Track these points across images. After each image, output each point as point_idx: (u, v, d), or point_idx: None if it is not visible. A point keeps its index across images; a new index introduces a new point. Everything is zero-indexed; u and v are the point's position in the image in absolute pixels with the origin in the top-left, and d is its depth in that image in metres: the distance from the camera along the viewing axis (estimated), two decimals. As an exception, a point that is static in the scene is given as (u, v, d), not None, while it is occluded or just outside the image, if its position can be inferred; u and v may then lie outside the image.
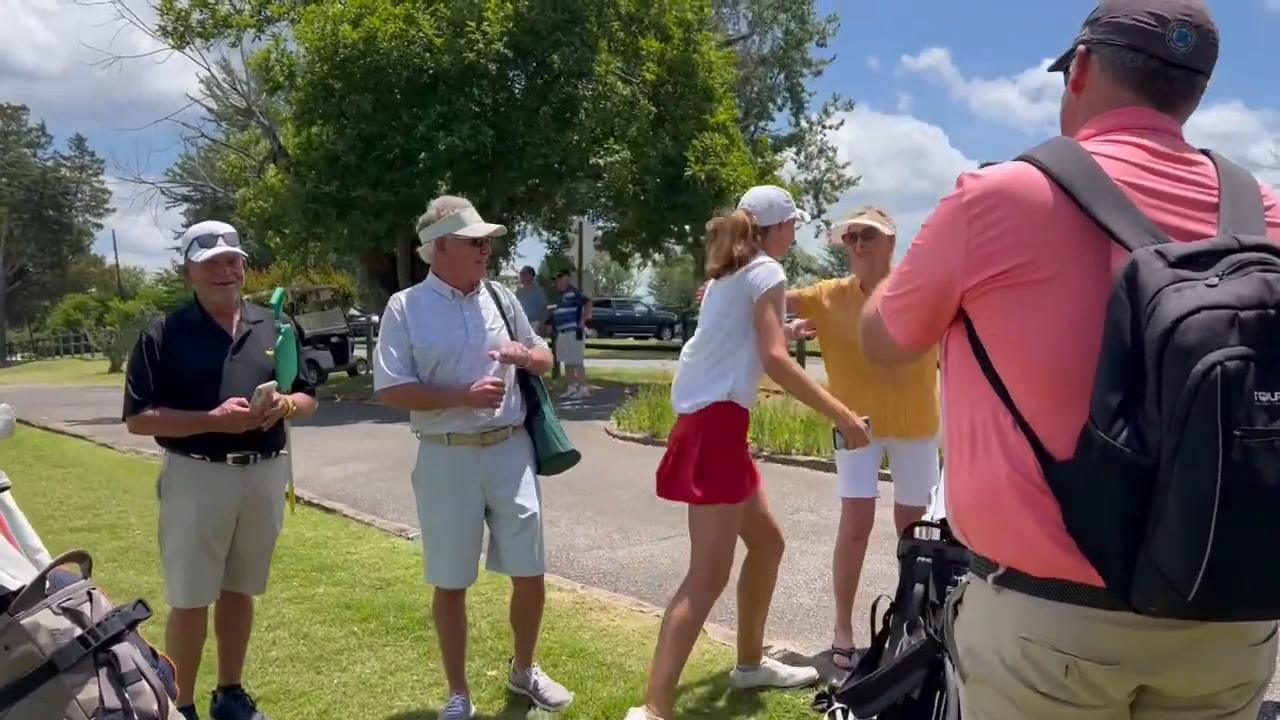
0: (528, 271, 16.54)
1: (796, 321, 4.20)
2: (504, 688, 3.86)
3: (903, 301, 1.56)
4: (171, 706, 1.73)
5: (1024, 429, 1.41)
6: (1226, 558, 1.19)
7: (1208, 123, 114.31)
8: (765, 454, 9.16)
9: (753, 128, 31.16)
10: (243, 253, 3.51)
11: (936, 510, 2.71)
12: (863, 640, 4.25)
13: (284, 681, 4.00)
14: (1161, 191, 1.40)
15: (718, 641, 4.31)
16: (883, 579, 5.20)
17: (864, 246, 3.94)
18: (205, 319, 3.47)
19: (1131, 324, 1.27)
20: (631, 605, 4.91)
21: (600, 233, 20.34)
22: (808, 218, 32.67)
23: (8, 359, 50.22)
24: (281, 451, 3.62)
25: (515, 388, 3.51)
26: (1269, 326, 1.20)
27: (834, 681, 3.67)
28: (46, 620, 1.62)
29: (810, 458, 9.02)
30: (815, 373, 3.68)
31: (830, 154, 35.18)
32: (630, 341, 29.23)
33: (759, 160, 18.37)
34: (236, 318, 3.51)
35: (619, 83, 14.88)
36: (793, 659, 4.05)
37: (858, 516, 4.12)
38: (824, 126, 34.76)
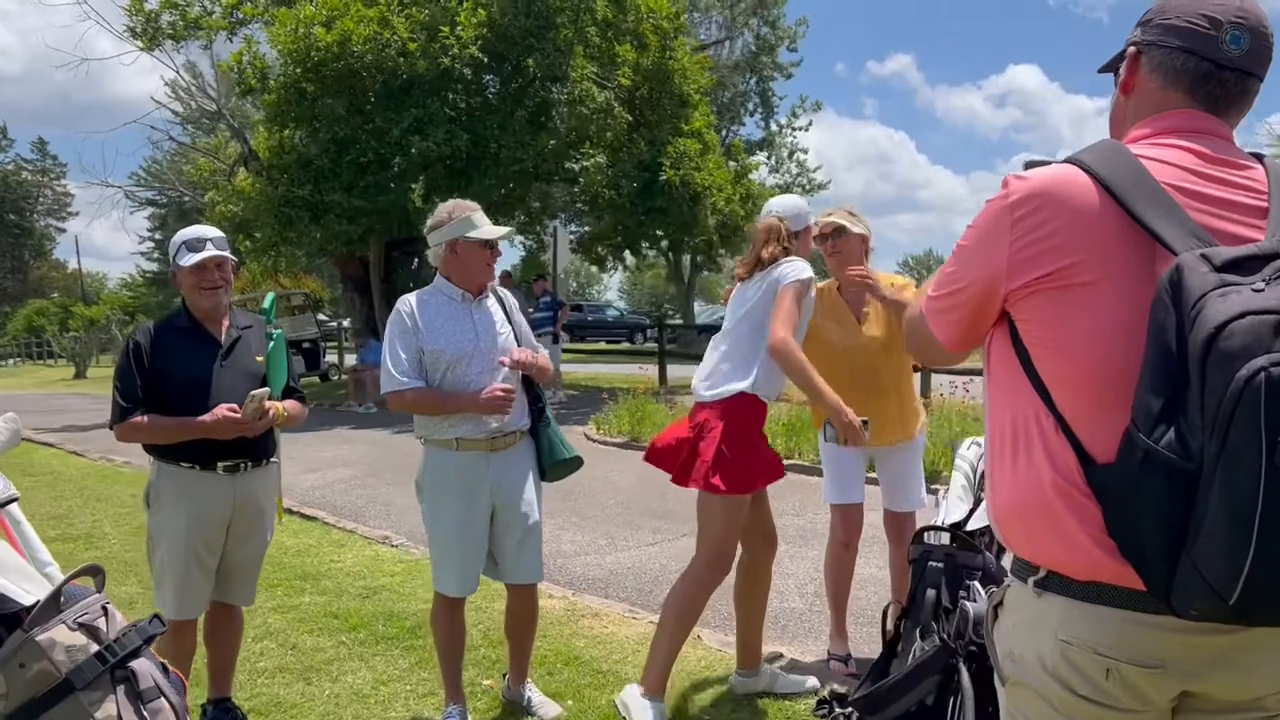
0: (505, 275, 16.47)
1: None
2: (499, 698, 3.81)
3: (946, 302, 1.55)
4: (187, 723, 1.68)
5: (1066, 431, 1.41)
6: (1268, 563, 1.19)
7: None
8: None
9: (725, 132, 31.27)
10: (232, 257, 3.44)
11: (948, 515, 2.70)
12: (857, 645, 4.26)
13: (274, 693, 3.93)
14: (1210, 196, 1.40)
15: (714, 648, 4.29)
16: (873, 582, 5.21)
17: (834, 245, 3.94)
18: (194, 325, 3.40)
19: (1175, 328, 1.26)
20: (624, 611, 4.88)
21: (574, 237, 20.29)
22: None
23: (-32, 365, 49.27)
24: (272, 459, 3.56)
25: (520, 392, 3.48)
26: None
27: (834, 687, 3.66)
28: (62, 636, 1.57)
29: (793, 461, 9.02)
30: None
31: (801, 156, 35.39)
32: (603, 346, 29.20)
33: (733, 165, 18.39)
34: (225, 323, 3.45)
35: (594, 88, 14.85)
36: (790, 665, 4.03)
37: (847, 522, 4.11)
38: (793, 129, 34.96)
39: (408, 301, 3.41)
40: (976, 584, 2.55)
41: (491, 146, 15.05)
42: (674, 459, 3.51)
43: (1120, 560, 1.35)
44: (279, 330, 3.64)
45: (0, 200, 59.17)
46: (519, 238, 31.64)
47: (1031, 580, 1.48)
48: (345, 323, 25.45)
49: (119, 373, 3.33)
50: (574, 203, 18.26)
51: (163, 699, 1.62)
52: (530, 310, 15.31)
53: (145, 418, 3.25)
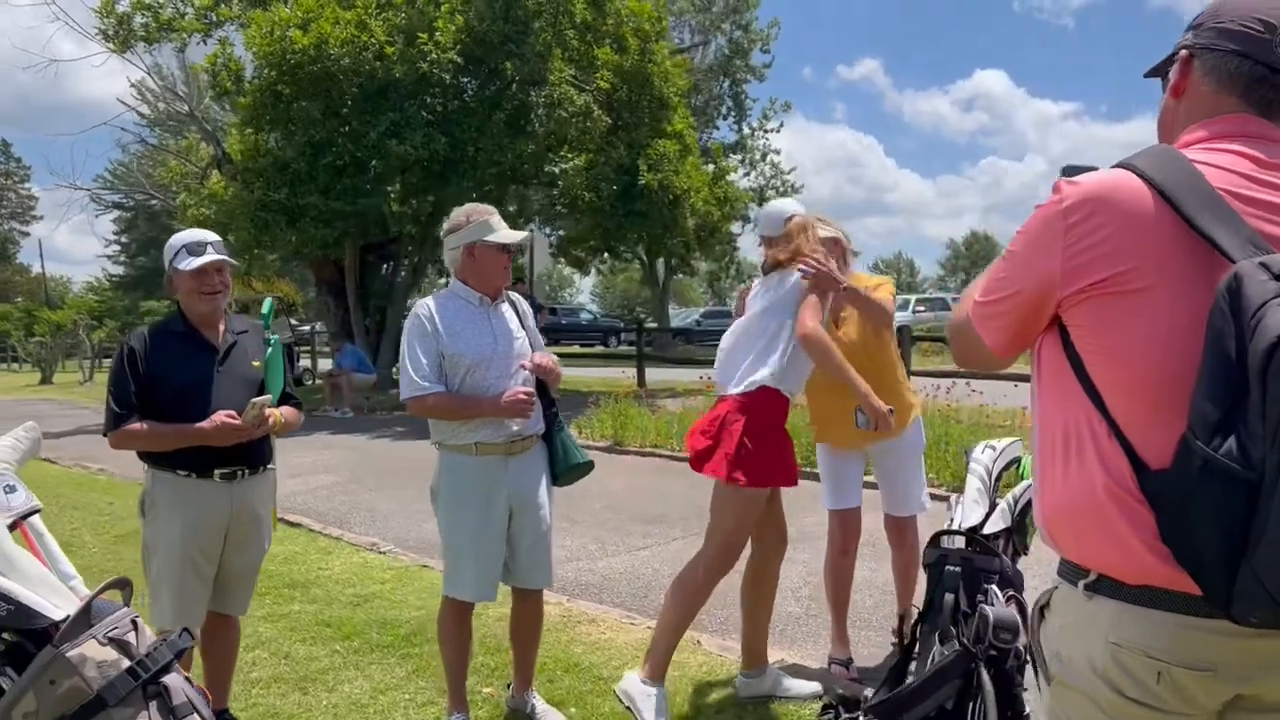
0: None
1: None
2: (500, 706, 3.77)
3: (996, 308, 1.54)
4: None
5: (1119, 437, 1.40)
6: None
7: (1130, 133, 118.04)
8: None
9: (700, 136, 31.37)
10: (233, 261, 3.39)
11: (964, 519, 2.70)
12: (857, 649, 4.26)
13: (270, 704, 3.87)
14: (1266, 201, 1.40)
15: (714, 652, 4.28)
16: (869, 586, 5.22)
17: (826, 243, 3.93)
18: (190, 330, 3.35)
19: (1235, 336, 1.26)
20: (620, 617, 4.86)
21: (552, 240, 20.24)
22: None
23: (-72, 371, 48.37)
24: (269, 466, 3.51)
25: (535, 397, 3.46)
26: None
27: (839, 691, 3.64)
28: (93, 652, 1.53)
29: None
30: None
31: (775, 158, 35.54)
32: (577, 349, 29.13)
33: (711, 167, 18.42)
34: (222, 328, 3.40)
35: (573, 91, 14.81)
36: (793, 669, 4.02)
37: (845, 527, 4.12)
38: (765, 131, 35.11)
39: (426, 305, 3.37)
40: (994, 588, 2.55)
41: (469, 150, 14.97)
42: (694, 448, 3.54)
43: (1173, 565, 1.35)
44: (277, 336, 3.60)
45: (-38, 204, 58.19)
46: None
47: (1082, 583, 1.48)
48: (317, 326, 25.23)
49: (113, 378, 3.27)
50: (553, 205, 18.20)
51: (196, 715, 1.57)
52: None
53: (142, 424, 3.19)
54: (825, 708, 3.55)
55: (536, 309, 15.70)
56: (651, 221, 15.63)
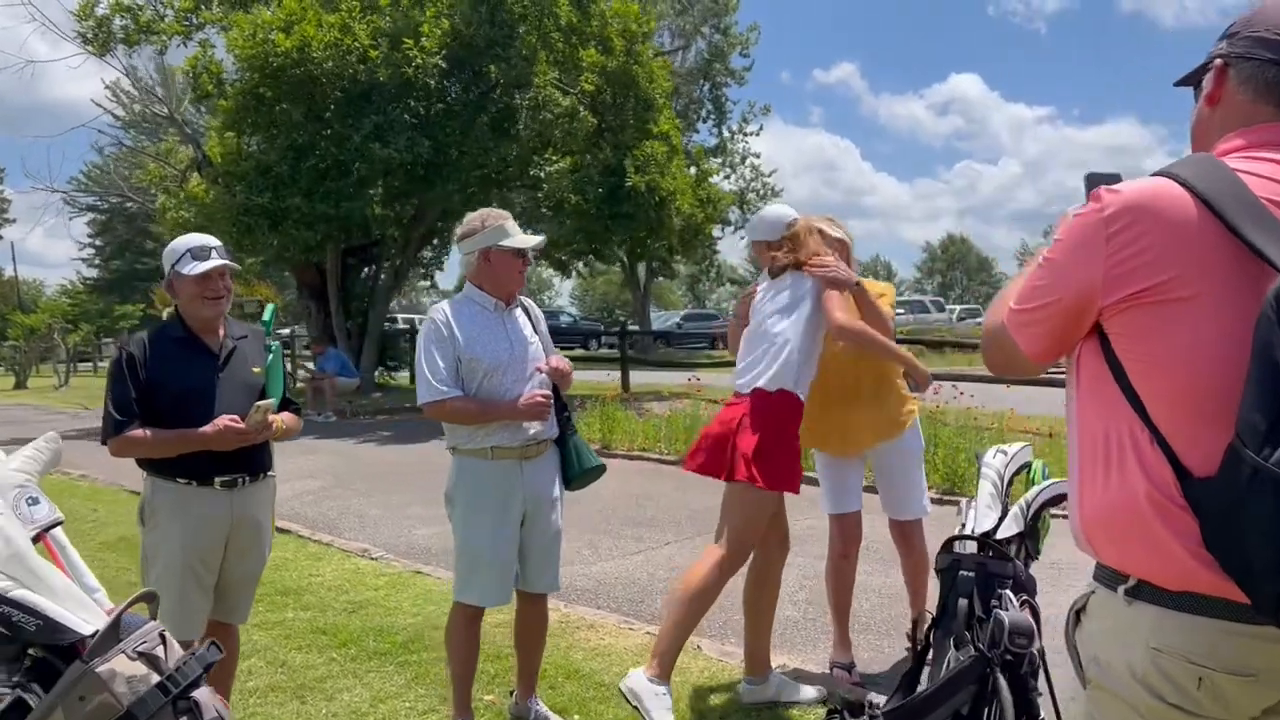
0: None
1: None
2: (504, 714, 3.75)
3: (1034, 315, 1.54)
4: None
5: (1162, 445, 1.40)
6: None
7: (1102, 136, 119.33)
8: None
9: (683, 138, 31.40)
10: (236, 266, 3.36)
11: (978, 524, 2.71)
12: (859, 653, 4.26)
13: (268, 713, 3.83)
14: None
15: (714, 657, 4.27)
16: (867, 590, 5.22)
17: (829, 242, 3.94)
18: (189, 335, 3.31)
19: None
20: (618, 622, 4.84)
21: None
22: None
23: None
24: (270, 473, 3.48)
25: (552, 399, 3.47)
26: None
27: (843, 696, 3.65)
28: (123, 667, 1.50)
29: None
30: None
31: (755, 161, 35.64)
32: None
33: (694, 169, 18.43)
34: (221, 333, 3.36)
35: (557, 93, 14.78)
36: (795, 675, 4.02)
37: (845, 532, 4.12)
38: (745, 134, 35.21)
39: (442, 310, 3.36)
40: (1008, 592, 2.56)
41: (453, 153, 14.90)
42: (719, 459, 3.54)
43: (1217, 572, 1.35)
44: (277, 342, 3.57)
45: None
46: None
47: (1121, 589, 1.48)
48: (297, 329, 25.03)
49: (111, 384, 3.22)
50: (537, 208, 18.15)
51: (226, 730, 1.55)
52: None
53: (143, 431, 3.15)
54: (830, 713, 3.55)
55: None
56: (638, 223, 15.61)
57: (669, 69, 19.80)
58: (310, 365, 17.63)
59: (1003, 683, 2.40)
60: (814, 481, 4.26)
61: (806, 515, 5.90)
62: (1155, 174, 1.45)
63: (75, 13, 15.41)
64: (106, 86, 25.91)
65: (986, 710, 2.47)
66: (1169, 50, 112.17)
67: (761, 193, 35.71)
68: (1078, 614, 1.61)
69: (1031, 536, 2.72)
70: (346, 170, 14.63)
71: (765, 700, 3.74)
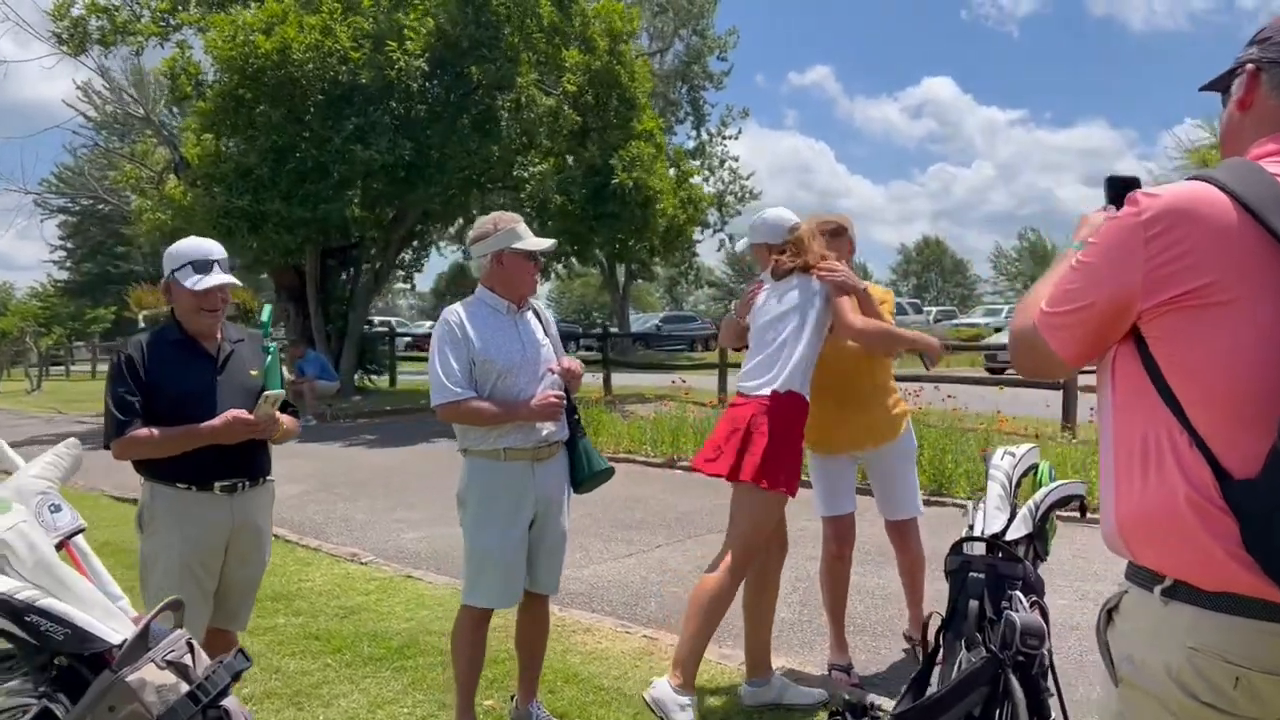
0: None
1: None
2: (504, 718, 3.73)
3: (1069, 318, 1.55)
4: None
5: (1201, 447, 1.41)
6: None
7: (1074, 140, 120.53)
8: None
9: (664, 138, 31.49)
10: (237, 283, 3.33)
11: (987, 526, 2.72)
12: (855, 654, 4.28)
13: (265, 720, 3.79)
14: None
15: (712, 660, 4.26)
16: (860, 591, 5.24)
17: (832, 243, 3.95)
18: (186, 338, 3.29)
19: None
20: (614, 626, 4.83)
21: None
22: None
23: None
24: (269, 478, 3.45)
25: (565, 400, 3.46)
26: None
27: (844, 697, 3.65)
28: (152, 676, 1.48)
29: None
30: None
31: (733, 164, 35.76)
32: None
33: (674, 170, 18.44)
34: (218, 337, 3.34)
35: (539, 94, 14.73)
36: (794, 676, 4.02)
37: (839, 534, 4.15)
38: (723, 137, 35.33)
39: (456, 312, 3.35)
40: (1018, 593, 2.57)
41: (434, 155, 14.83)
42: (726, 460, 3.54)
43: (1256, 573, 1.36)
44: (275, 343, 3.54)
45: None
46: (455, 246, 31.35)
47: (1158, 589, 1.48)
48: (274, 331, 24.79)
49: (112, 386, 3.20)
50: (521, 209, 18.10)
51: (256, 739, 1.53)
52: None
53: (148, 430, 3.11)
54: (832, 715, 3.56)
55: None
56: (623, 224, 15.60)
57: (649, 69, 19.80)
58: (285, 370, 17.49)
59: (1015, 684, 2.41)
60: (803, 484, 4.26)
61: (796, 518, 5.88)
62: (1191, 178, 1.46)
63: (50, 12, 15.21)
64: (78, 87, 25.55)
65: (998, 711, 2.48)
66: (1138, 54, 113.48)
67: (740, 195, 35.83)
68: (1109, 613, 1.62)
69: (1040, 537, 2.74)
70: (327, 172, 14.52)
71: (767, 702, 3.75)
